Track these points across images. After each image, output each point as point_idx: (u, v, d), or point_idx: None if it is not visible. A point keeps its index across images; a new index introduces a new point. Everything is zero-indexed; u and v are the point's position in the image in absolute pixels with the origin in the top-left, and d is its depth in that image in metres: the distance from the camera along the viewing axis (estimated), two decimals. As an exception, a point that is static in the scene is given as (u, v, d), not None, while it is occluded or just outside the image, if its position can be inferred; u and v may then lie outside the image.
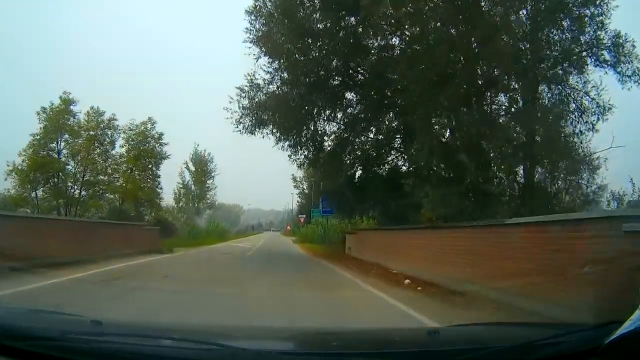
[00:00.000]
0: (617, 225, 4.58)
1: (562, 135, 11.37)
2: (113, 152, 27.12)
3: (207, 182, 45.56)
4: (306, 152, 16.99)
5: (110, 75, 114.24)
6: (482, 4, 11.32)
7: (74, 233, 12.46)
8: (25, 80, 72.60)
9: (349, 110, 16.12)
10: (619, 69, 10.95)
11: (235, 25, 57.49)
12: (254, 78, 15.29)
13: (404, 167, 16.58)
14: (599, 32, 10.95)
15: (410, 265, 10.43)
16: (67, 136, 25.31)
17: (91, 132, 25.75)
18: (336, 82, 15.29)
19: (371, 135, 16.50)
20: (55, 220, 15.04)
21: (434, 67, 10.59)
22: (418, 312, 5.97)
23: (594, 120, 11.42)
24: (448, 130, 12.65)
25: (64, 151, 25.33)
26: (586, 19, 10.89)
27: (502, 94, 11.86)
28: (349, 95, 15.93)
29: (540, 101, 11.61)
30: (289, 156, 16.93)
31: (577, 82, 11.52)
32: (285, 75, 14.70)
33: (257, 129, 15.87)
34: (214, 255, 18.04)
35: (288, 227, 72.46)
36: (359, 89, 15.24)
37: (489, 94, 11.82)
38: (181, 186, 44.12)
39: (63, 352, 1.52)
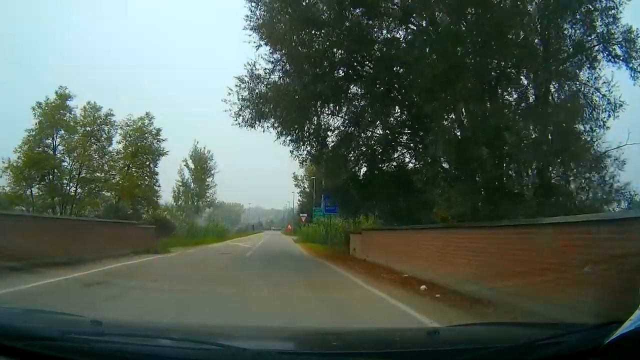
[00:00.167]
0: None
1: (576, 132, 11.12)
2: (110, 148, 27.19)
3: (207, 180, 45.58)
4: (309, 148, 16.68)
5: (110, 76, 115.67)
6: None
7: (62, 232, 12.13)
8: (26, 80, 72.97)
9: (354, 104, 15.76)
10: (631, 65, 10.79)
11: (236, 24, 57.47)
12: (254, 68, 14.95)
13: (410, 164, 16.18)
14: (610, 27, 10.78)
15: (424, 269, 9.94)
16: (62, 132, 25.39)
17: (87, 128, 25.81)
18: (340, 75, 14.90)
19: (378, 131, 16.04)
20: (41, 219, 14.62)
21: (441, 61, 10.42)
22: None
23: (604, 117, 11.31)
24: (458, 127, 12.30)
25: (60, 147, 25.40)
26: (597, 13, 10.79)
27: (514, 90, 11.62)
28: (353, 88, 15.56)
29: (553, 97, 11.42)
30: (291, 152, 16.58)
31: (588, 78, 11.36)
32: (287, 66, 14.40)
33: (257, 122, 15.54)
34: (211, 256, 17.78)
35: (289, 227, 72.67)
36: (364, 81, 14.87)
37: (499, 89, 11.61)
38: (180, 184, 44.10)
39: (63, 352, 1.56)
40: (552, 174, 11.18)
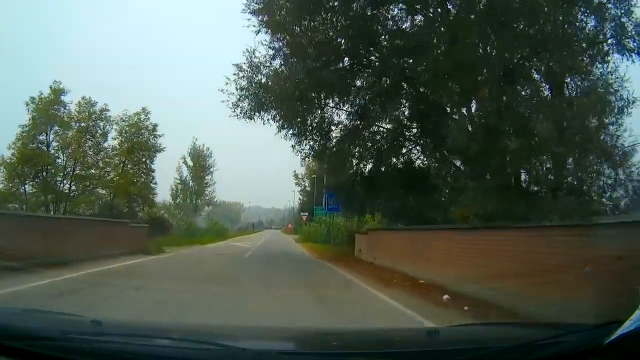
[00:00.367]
0: None
1: (591, 128, 10.54)
2: (105, 144, 27.31)
3: (206, 177, 45.77)
4: (311, 143, 16.23)
5: (110, 76, 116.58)
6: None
7: (45, 231, 11.35)
8: (25, 79, 73.28)
9: (360, 96, 15.16)
10: (645, 59, 10.51)
11: (236, 24, 57.49)
12: (253, 56, 14.52)
13: (419, 160, 15.87)
14: (623, 19, 10.52)
15: (443, 274, 9.08)
16: (57, 128, 25.50)
17: (82, 124, 25.88)
18: (346, 65, 14.41)
19: (385, 126, 15.63)
20: (18, 217, 13.60)
21: (452, 50, 10.21)
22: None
23: (617, 114, 11.17)
24: (480, 115, 11.55)
25: (54, 143, 25.52)
26: (609, 4, 10.66)
27: (526, 84, 11.24)
28: (359, 81, 15.10)
29: (569, 91, 11.10)
30: (293, 147, 16.21)
31: (600, 72, 11.03)
32: (288, 51, 13.81)
33: (256, 113, 15.08)
34: (207, 257, 17.34)
35: (289, 226, 73.02)
36: (371, 73, 14.49)
37: (511, 83, 11.34)
38: (178, 182, 44.29)
39: (63, 352, 1.60)
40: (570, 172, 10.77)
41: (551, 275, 5.96)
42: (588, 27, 10.88)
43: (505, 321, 4.48)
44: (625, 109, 10.78)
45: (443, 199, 14.39)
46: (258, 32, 13.70)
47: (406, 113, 15.00)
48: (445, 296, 7.66)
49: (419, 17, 12.87)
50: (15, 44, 72.82)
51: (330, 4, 12.88)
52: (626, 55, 10.69)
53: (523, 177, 10.72)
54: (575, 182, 10.19)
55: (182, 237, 28.21)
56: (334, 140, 16.24)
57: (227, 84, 14.92)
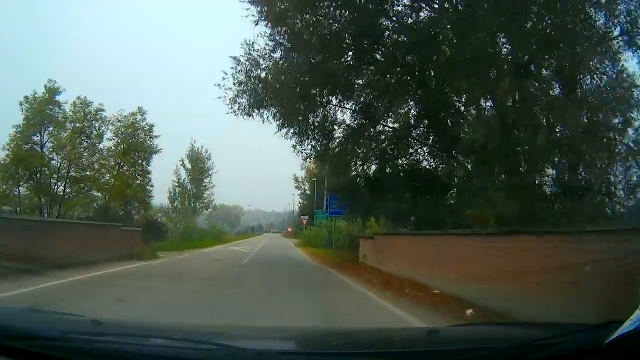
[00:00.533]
0: None
1: (603, 127, 10.27)
2: (100, 146, 27.24)
3: (204, 180, 45.82)
4: (313, 143, 15.75)
5: (110, 76, 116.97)
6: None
7: (22, 235, 10.59)
8: (22, 79, 73.66)
9: (364, 93, 14.56)
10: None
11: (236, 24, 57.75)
12: (252, 49, 14.04)
13: (425, 161, 15.29)
14: (633, 15, 10.17)
15: (462, 284, 8.23)
16: (51, 128, 25.46)
17: (77, 124, 25.81)
18: (349, 61, 13.79)
19: (391, 125, 15.02)
20: None
21: (460, 47, 10.02)
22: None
23: (628, 113, 10.93)
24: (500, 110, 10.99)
25: (48, 144, 25.45)
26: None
27: (538, 81, 10.81)
28: (362, 79, 14.40)
29: (582, 89, 10.71)
30: (294, 146, 15.73)
31: (610, 70, 10.76)
32: (290, 44, 13.32)
33: (255, 110, 14.67)
34: (202, 263, 16.78)
35: (289, 229, 73.40)
36: (376, 69, 13.80)
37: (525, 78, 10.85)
38: (176, 185, 44.34)
39: (63, 352, 1.63)
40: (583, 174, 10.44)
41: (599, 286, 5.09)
42: (598, 23, 10.58)
43: (505, 321, 4.52)
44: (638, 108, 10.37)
45: (452, 201, 13.99)
46: (257, 22, 13.19)
47: (412, 112, 14.48)
48: (469, 311, 7.03)
49: (425, 13, 12.60)
50: (10, 43, 72.97)
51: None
52: (637, 53, 10.34)
53: (546, 177, 10.44)
54: (600, 183, 9.81)
55: (180, 241, 28.06)
56: (337, 141, 15.76)
57: (224, 78, 14.53)
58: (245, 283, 11.14)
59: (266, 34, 13.69)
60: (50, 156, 25.59)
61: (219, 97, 14.77)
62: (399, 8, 12.88)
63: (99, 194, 27.74)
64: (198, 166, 44.98)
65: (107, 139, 27.29)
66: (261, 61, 14.26)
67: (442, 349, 1.84)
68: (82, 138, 26.12)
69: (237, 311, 6.70)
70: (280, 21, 12.82)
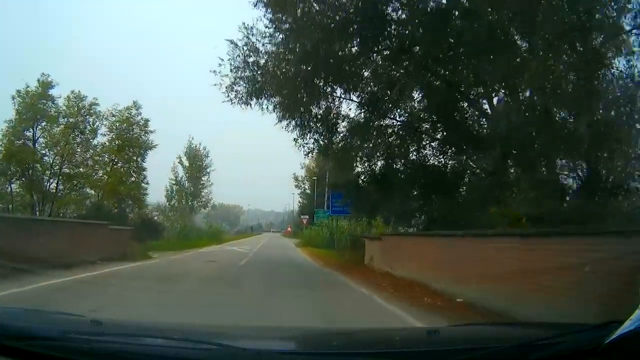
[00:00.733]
0: None
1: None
2: (95, 141, 27.14)
3: (202, 178, 45.85)
4: (316, 136, 15.28)
5: (110, 76, 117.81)
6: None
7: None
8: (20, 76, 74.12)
9: (371, 84, 13.94)
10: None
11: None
12: (250, 33, 13.42)
13: (434, 158, 14.59)
14: None
15: (495, 293, 7.40)
16: (44, 123, 25.40)
17: (71, 119, 25.70)
18: (355, 51, 13.24)
19: (399, 118, 14.53)
20: None
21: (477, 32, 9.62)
22: None
23: None
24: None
25: (41, 140, 25.38)
26: None
27: None
28: (367, 71, 13.80)
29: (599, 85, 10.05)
30: (295, 140, 15.23)
31: (623, 66, 10.29)
32: (290, 34, 12.71)
33: (253, 99, 14.20)
34: (196, 265, 15.92)
35: (289, 229, 73.77)
36: (382, 60, 13.33)
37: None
38: (174, 183, 44.37)
39: (63, 352, 1.67)
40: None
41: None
42: (609, 18, 10.42)
43: (505, 321, 4.57)
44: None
45: (463, 198, 13.44)
46: (255, 4, 12.76)
47: (421, 105, 14.01)
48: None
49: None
50: (7, 39, 73.17)
51: None
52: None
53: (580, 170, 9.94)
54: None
55: (176, 241, 28.03)
56: (342, 135, 15.28)
57: (220, 64, 14.10)
58: (242, 289, 10.30)
59: (266, 17, 13.13)
60: (43, 152, 25.52)
61: (215, 85, 14.47)
62: None
63: (92, 192, 27.65)
64: (196, 164, 45.00)
65: (101, 134, 27.21)
66: (260, 47, 13.76)
67: (442, 349, 1.88)
68: (76, 134, 26.07)
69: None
70: (281, 5, 12.38)
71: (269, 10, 12.79)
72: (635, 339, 1.58)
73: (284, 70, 13.23)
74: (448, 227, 11.24)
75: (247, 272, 14.53)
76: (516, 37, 10.62)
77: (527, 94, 10.58)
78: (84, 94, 26.21)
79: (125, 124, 27.22)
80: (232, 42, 13.73)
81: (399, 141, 14.68)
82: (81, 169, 26.50)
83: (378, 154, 14.92)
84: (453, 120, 12.81)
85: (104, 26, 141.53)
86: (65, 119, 25.72)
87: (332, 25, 11.84)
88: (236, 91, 14.35)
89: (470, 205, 12.35)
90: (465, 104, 13.03)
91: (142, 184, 28.73)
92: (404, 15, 12.49)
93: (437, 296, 8.86)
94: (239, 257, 20.69)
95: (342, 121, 15.16)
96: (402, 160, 14.88)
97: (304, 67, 12.77)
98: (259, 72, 13.89)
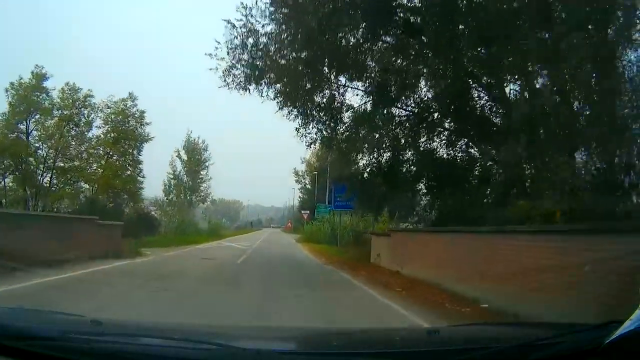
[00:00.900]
0: None
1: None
2: (90, 134, 27.21)
3: (201, 172, 45.91)
4: (320, 126, 14.92)
5: (110, 76, 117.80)
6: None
7: None
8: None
9: (377, 71, 13.42)
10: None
11: None
12: (249, 14, 12.93)
13: (444, 150, 14.06)
14: None
15: (527, 298, 6.60)
16: (38, 116, 25.46)
17: (65, 112, 25.71)
18: (360, 37, 12.83)
19: (408, 107, 14.09)
20: None
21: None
22: None
23: None
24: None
25: (35, 133, 25.43)
26: None
27: None
28: (375, 58, 13.46)
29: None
30: (297, 129, 14.87)
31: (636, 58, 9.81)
32: (290, 19, 12.27)
33: (252, 84, 13.74)
34: (190, 263, 15.46)
35: (289, 224, 74.29)
36: (389, 46, 12.98)
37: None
38: (172, 177, 44.44)
39: (63, 352, 1.71)
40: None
41: None
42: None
43: (505, 321, 4.62)
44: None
45: (474, 193, 12.89)
46: None
47: (428, 93, 13.46)
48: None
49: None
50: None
51: None
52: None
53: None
54: None
55: (173, 236, 27.98)
56: (346, 124, 14.84)
57: (217, 48, 13.63)
58: (239, 291, 9.50)
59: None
60: (37, 145, 25.56)
61: (211, 69, 14.00)
62: None
63: (86, 186, 27.66)
64: (194, 157, 45.03)
65: (96, 126, 27.26)
66: (259, 28, 13.27)
67: (442, 349, 1.93)
68: (70, 126, 26.10)
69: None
70: None
71: None
72: (635, 339, 1.61)
73: (285, 53, 12.88)
74: (462, 223, 10.79)
75: (246, 271, 13.89)
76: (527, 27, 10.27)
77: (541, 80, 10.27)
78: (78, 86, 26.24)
79: (120, 116, 27.20)
80: (229, 22, 13.23)
81: (406, 132, 14.23)
82: (76, 162, 26.52)
83: (385, 145, 14.27)
84: (464, 109, 12.39)
85: (104, 26, 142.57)
86: (60, 111, 25.77)
87: (338, 4, 11.50)
88: (234, 75, 13.90)
89: (486, 200, 12.01)
90: (478, 93, 12.71)
91: (138, 178, 28.75)
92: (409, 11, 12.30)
93: (459, 301, 8.08)
94: (237, 254, 20.25)
95: (347, 111, 14.79)
96: (411, 152, 14.36)
97: (306, 53, 12.43)
98: (258, 55, 13.41)
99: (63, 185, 26.34)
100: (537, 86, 10.19)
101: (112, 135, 27.05)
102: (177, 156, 44.87)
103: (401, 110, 14.29)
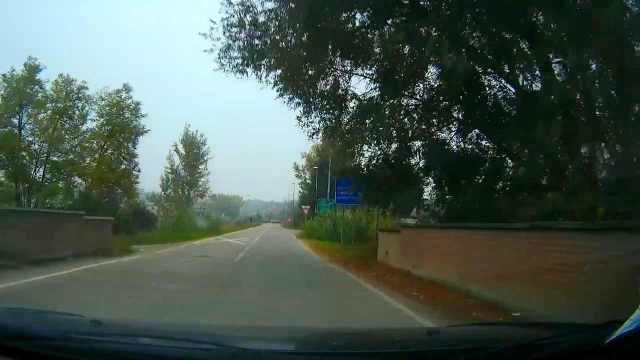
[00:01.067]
0: None
1: None
2: (84, 127, 27.28)
3: (199, 167, 46.11)
4: (323, 113, 14.54)
5: (109, 76, 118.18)
6: None
7: None
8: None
9: (385, 55, 12.42)
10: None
11: None
12: None
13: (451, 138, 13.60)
14: None
15: (570, 304, 5.91)
16: (31, 109, 25.48)
17: (59, 104, 25.70)
18: (365, 20, 12.41)
19: (419, 95, 13.50)
20: None
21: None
22: None
23: None
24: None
25: (28, 126, 25.49)
26: None
27: None
28: (377, 47, 12.76)
29: None
30: (298, 118, 14.51)
31: None
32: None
33: (249, 65, 13.27)
34: (182, 262, 14.58)
35: (289, 219, 74.88)
36: (396, 29, 11.91)
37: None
38: (169, 171, 44.62)
39: (63, 352, 1.75)
40: None
41: None
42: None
43: (505, 321, 4.67)
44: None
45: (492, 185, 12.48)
46: None
47: (437, 82, 12.87)
48: None
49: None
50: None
51: None
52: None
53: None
54: None
55: (170, 232, 27.91)
56: (352, 113, 14.36)
57: (212, 28, 13.10)
58: (234, 294, 8.66)
59: None
60: (30, 139, 25.58)
61: (205, 51, 13.53)
62: None
63: (79, 180, 27.70)
64: (192, 151, 45.15)
65: (91, 119, 27.30)
66: (258, 5, 12.87)
67: (442, 349, 1.97)
68: (64, 119, 26.13)
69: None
70: None
71: None
72: (635, 339, 1.65)
73: (286, 32, 12.47)
74: (481, 219, 10.38)
75: (243, 270, 13.32)
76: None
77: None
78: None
79: (115, 108, 27.16)
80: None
81: (415, 122, 13.75)
82: (71, 156, 26.57)
83: (392, 135, 13.52)
84: (475, 97, 12.03)
85: (104, 26, 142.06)
86: (53, 104, 25.78)
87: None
88: (230, 57, 13.39)
89: (508, 193, 11.50)
90: (490, 79, 12.29)
91: (133, 172, 28.74)
92: None
93: (489, 310, 7.22)
94: (235, 251, 19.82)
95: (352, 99, 14.37)
96: (421, 142, 13.83)
97: (308, 33, 11.99)
98: (256, 34, 12.97)
99: (56, 180, 26.37)
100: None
101: (106, 128, 27.02)
102: (175, 150, 45.05)
103: (410, 99, 13.79)
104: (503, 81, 12.11)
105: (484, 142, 13.06)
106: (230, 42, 13.16)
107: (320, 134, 15.65)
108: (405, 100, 13.58)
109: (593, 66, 9.01)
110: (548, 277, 6.53)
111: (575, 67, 8.65)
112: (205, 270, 13.11)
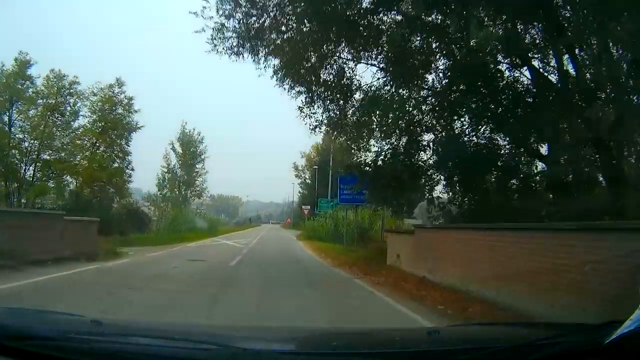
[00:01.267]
0: None
1: None
2: (75, 124, 27.18)
3: (197, 166, 46.16)
4: (327, 104, 14.03)
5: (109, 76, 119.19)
6: None
7: None
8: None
9: (392, 40, 12.08)
10: None
11: None
12: None
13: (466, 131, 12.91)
14: None
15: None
16: (21, 106, 25.45)
17: (50, 100, 25.65)
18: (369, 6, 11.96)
19: (431, 83, 12.93)
20: None
21: None
22: None
23: None
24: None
25: (18, 123, 25.51)
26: None
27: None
28: (384, 31, 12.28)
29: None
30: (300, 109, 14.02)
31: None
32: None
33: (245, 46, 12.60)
34: (172, 267, 13.93)
35: (288, 220, 75.35)
36: (404, 16, 11.85)
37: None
38: (166, 170, 44.63)
39: (63, 352, 1.80)
40: None
41: None
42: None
43: (505, 321, 4.74)
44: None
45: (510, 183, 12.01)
46: None
47: (447, 73, 12.33)
48: None
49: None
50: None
51: None
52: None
53: None
54: None
55: (166, 233, 27.94)
56: (358, 104, 13.88)
57: (204, 8, 12.29)
58: (227, 308, 7.57)
59: None
60: (20, 136, 25.61)
61: (197, 31, 12.69)
62: None
63: (70, 179, 27.61)
64: (189, 150, 45.14)
65: (83, 115, 27.24)
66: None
67: (442, 349, 2.03)
68: (56, 116, 26.09)
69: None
70: None
71: None
72: (635, 339, 1.69)
73: (284, 12, 11.95)
74: (506, 218, 9.81)
75: (239, 278, 12.30)
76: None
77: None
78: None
79: (107, 104, 27.10)
80: None
81: (425, 114, 13.24)
82: (62, 154, 26.44)
83: (402, 126, 13.08)
84: (488, 86, 11.53)
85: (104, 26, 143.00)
86: (44, 100, 25.74)
87: None
88: (224, 38, 12.62)
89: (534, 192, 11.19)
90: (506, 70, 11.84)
91: (126, 170, 28.60)
92: None
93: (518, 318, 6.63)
94: (231, 254, 19.24)
95: (358, 90, 13.87)
96: (433, 135, 13.37)
97: (309, 19, 11.57)
98: (253, 13, 12.17)
99: (46, 178, 26.29)
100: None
101: (99, 124, 26.99)
102: (171, 149, 45.11)
103: (419, 90, 13.36)
104: (522, 70, 11.81)
105: (500, 137, 12.59)
106: (224, 20, 12.45)
107: (323, 127, 15.19)
108: (415, 91, 13.16)
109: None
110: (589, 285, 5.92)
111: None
112: (197, 278, 11.94)
